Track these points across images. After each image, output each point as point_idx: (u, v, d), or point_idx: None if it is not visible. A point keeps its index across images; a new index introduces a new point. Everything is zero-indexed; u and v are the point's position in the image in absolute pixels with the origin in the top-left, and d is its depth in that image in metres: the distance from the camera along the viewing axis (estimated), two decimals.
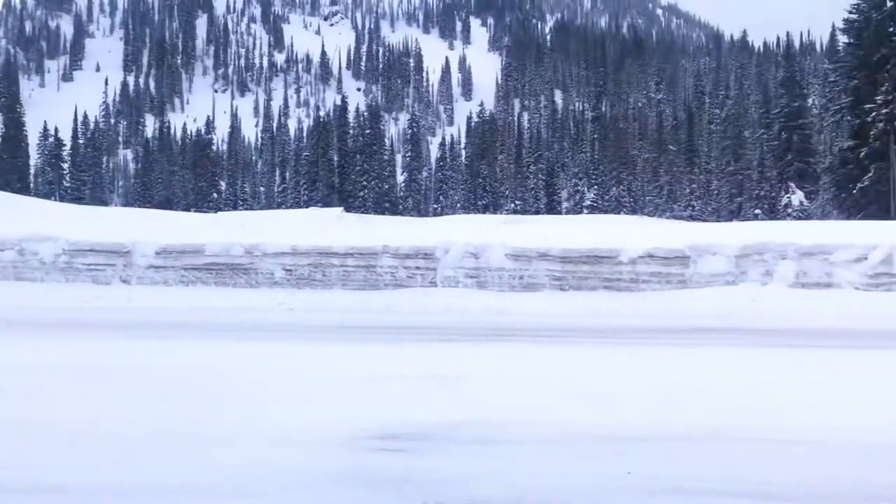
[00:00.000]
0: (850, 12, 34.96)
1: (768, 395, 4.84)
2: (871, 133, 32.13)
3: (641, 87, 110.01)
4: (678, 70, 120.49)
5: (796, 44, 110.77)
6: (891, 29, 32.78)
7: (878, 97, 31.68)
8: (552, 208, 72.01)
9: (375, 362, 6.19)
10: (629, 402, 4.60)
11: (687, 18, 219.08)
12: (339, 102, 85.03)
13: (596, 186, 73.61)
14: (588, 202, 71.99)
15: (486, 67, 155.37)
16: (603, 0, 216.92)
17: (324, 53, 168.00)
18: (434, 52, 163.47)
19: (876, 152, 32.31)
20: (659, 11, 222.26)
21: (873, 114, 31.82)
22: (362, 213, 50.78)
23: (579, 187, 75.58)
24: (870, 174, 32.28)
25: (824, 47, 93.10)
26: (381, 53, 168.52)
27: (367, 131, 75.35)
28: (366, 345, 7.36)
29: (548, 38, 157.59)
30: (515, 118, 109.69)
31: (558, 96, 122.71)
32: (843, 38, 41.71)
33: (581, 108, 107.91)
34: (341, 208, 44.28)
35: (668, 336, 8.17)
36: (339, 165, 71.95)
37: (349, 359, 6.38)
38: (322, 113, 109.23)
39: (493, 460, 3.38)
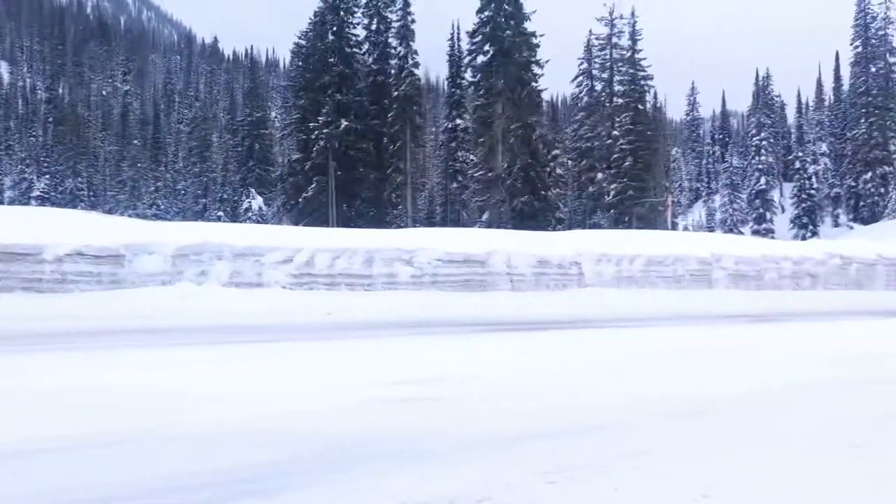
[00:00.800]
0: (300, 38, 38.97)
1: (149, 395, 4.72)
2: (315, 149, 36.33)
3: (107, 75, 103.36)
4: (148, 64, 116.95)
5: (263, 58, 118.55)
6: (331, 60, 37.59)
7: (321, 118, 35.98)
8: None
9: None
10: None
11: (159, 13, 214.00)
12: None
13: (48, 176, 66.06)
14: (38, 192, 64.12)
15: None
16: None
17: None
18: None
19: (318, 166, 36.66)
20: (129, 0, 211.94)
21: (316, 132, 36.01)
22: None
23: (27, 175, 66.76)
24: (313, 185, 36.44)
25: (286, 65, 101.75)
26: None
27: None
28: None
29: None
30: None
31: (4, 68, 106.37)
32: (296, 61, 46.15)
33: (33, 85, 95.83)
34: None
35: (79, 340, 7.53)
36: None
37: None
38: None
39: None
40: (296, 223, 36.48)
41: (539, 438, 3.71)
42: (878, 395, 5.02)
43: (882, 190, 60.35)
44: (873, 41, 63.25)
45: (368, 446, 3.56)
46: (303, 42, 38.44)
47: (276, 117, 72.59)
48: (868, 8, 63.58)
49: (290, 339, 8.40)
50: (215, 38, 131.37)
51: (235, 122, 68.42)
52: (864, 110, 60.90)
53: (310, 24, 37.98)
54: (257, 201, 58.78)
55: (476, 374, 5.93)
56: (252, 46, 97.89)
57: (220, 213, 62.61)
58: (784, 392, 5.12)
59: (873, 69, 63.07)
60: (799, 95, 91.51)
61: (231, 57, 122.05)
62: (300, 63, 40.04)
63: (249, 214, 57.32)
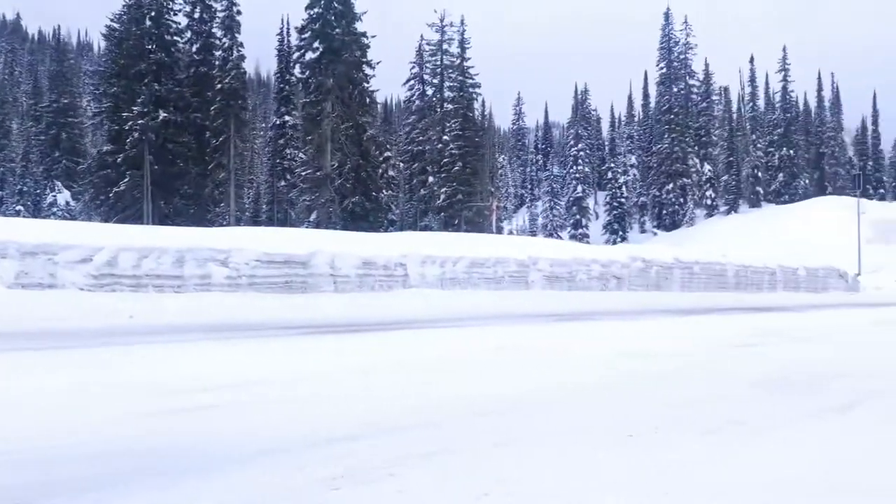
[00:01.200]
0: (112, 21, 36.05)
1: None
2: (129, 140, 33.80)
3: None
4: None
5: (73, 40, 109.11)
6: (149, 47, 35.18)
7: (136, 108, 33.52)
8: None
9: None
10: None
11: None
12: None
13: None
14: None
15: None
16: None
17: None
18: None
19: (132, 159, 34.14)
20: None
21: (130, 122, 33.52)
22: None
23: None
24: (126, 179, 33.88)
25: (100, 49, 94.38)
26: None
27: None
28: None
29: None
30: None
31: None
32: (109, 45, 42.72)
33: None
34: None
35: None
36: None
37: None
38: None
39: None
40: (106, 220, 33.77)
41: (336, 442, 3.61)
42: (655, 388, 5.43)
43: (681, 200, 66.65)
44: (675, 64, 69.74)
45: (143, 461, 3.27)
46: (116, 25, 35.57)
47: (87, 105, 66.97)
48: (671, 33, 69.98)
49: (83, 345, 7.68)
50: (17, 15, 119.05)
51: (40, 107, 62.36)
52: (667, 127, 67.01)
53: (124, 6, 35.24)
54: (64, 195, 54.12)
55: (284, 378, 5.72)
56: (60, 26, 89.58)
57: (20, 208, 56.93)
58: (579, 388, 5.39)
59: (675, 89, 69.55)
60: (612, 110, 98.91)
61: (36, 36, 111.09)
62: (113, 48, 37.07)
63: (55, 209, 52.61)
